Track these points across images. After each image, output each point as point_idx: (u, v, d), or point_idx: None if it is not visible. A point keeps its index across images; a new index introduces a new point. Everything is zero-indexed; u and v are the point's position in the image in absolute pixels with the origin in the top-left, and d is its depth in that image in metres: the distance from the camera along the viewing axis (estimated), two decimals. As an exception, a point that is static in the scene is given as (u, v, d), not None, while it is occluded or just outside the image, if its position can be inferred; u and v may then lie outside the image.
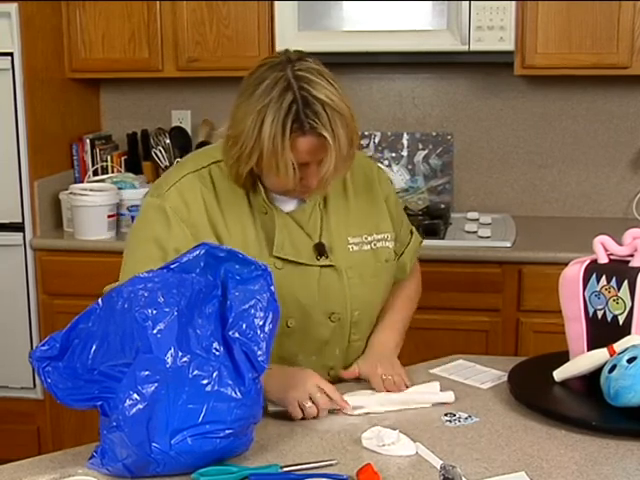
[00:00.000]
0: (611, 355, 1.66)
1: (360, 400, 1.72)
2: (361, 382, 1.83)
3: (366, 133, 3.54)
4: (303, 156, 1.65)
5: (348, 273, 1.83)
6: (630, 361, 1.59)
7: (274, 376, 1.64)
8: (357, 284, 1.84)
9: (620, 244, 1.75)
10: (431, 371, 1.90)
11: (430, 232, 3.07)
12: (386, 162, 3.54)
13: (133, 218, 3.17)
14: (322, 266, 1.81)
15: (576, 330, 1.77)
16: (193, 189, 1.76)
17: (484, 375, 1.87)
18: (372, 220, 1.89)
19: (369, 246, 1.87)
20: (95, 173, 3.53)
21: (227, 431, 1.40)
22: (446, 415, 1.67)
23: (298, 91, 1.62)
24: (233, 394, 1.41)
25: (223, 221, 1.76)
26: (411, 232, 2.05)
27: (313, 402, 1.66)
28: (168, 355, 1.39)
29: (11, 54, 3.14)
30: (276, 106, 1.61)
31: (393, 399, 1.73)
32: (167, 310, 1.41)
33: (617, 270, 1.70)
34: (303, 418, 1.66)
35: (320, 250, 1.81)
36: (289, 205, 1.81)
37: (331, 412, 1.68)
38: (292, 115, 1.61)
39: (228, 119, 1.72)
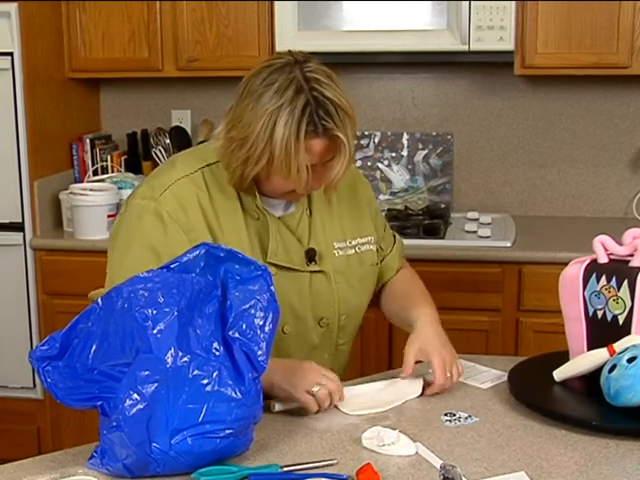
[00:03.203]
0: (611, 355, 1.66)
1: (353, 398, 1.71)
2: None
3: (366, 133, 3.54)
4: (314, 158, 1.65)
5: (336, 278, 1.84)
6: (630, 361, 1.59)
7: (277, 371, 1.64)
8: (344, 288, 1.85)
9: (620, 244, 1.75)
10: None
11: (430, 232, 3.07)
12: (386, 162, 3.54)
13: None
14: (312, 272, 1.81)
15: (576, 330, 1.77)
16: (189, 192, 1.73)
17: (484, 375, 1.87)
18: (355, 224, 1.90)
19: (353, 250, 1.87)
20: (95, 173, 3.53)
21: (227, 431, 1.40)
22: (446, 415, 1.67)
23: (309, 92, 1.61)
24: (233, 394, 1.41)
25: (219, 225, 1.74)
26: (394, 235, 2.06)
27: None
28: (168, 355, 1.39)
29: (11, 54, 3.14)
30: (289, 108, 1.60)
31: (383, 399, 1.73)
32: (167, 310, 1.41)
33: (617, 270, 1.70)
34: (317, 411, 1.65)
35: (310, 256, 1.81)
36: (278, 211, 1.80)
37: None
38: (306, 117, 1.60)
39: (226, 121, 1.70)
